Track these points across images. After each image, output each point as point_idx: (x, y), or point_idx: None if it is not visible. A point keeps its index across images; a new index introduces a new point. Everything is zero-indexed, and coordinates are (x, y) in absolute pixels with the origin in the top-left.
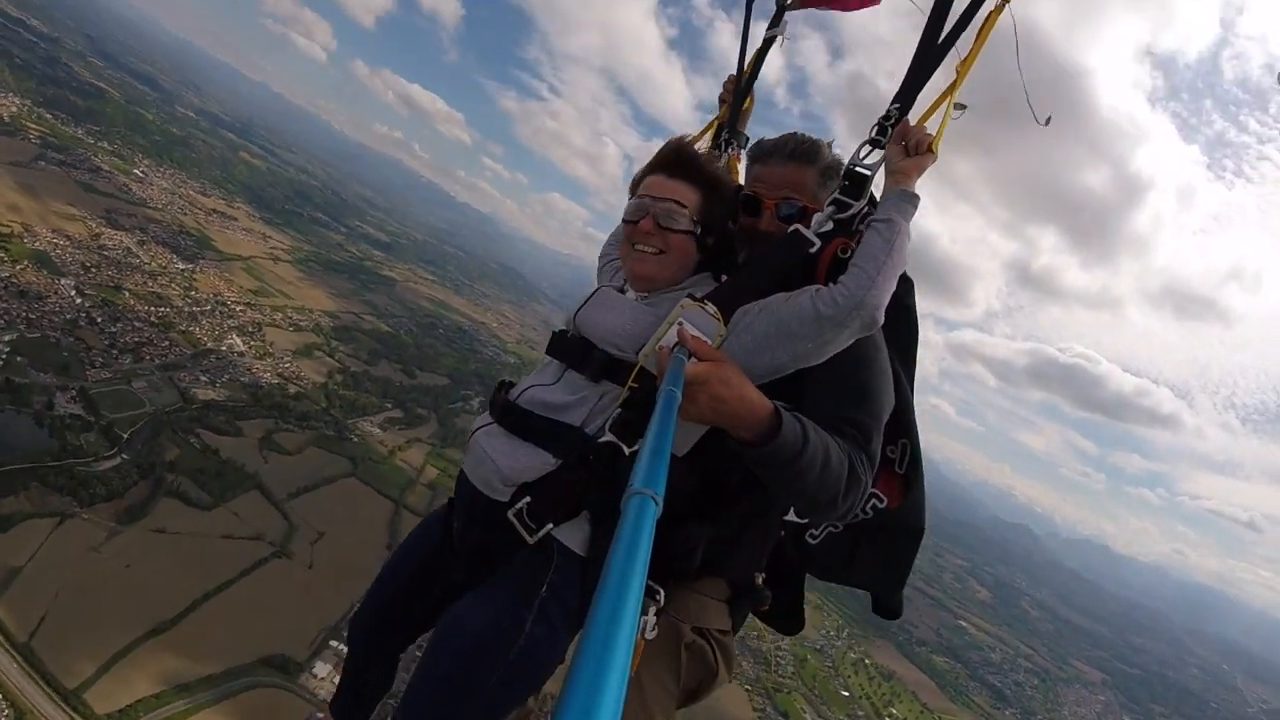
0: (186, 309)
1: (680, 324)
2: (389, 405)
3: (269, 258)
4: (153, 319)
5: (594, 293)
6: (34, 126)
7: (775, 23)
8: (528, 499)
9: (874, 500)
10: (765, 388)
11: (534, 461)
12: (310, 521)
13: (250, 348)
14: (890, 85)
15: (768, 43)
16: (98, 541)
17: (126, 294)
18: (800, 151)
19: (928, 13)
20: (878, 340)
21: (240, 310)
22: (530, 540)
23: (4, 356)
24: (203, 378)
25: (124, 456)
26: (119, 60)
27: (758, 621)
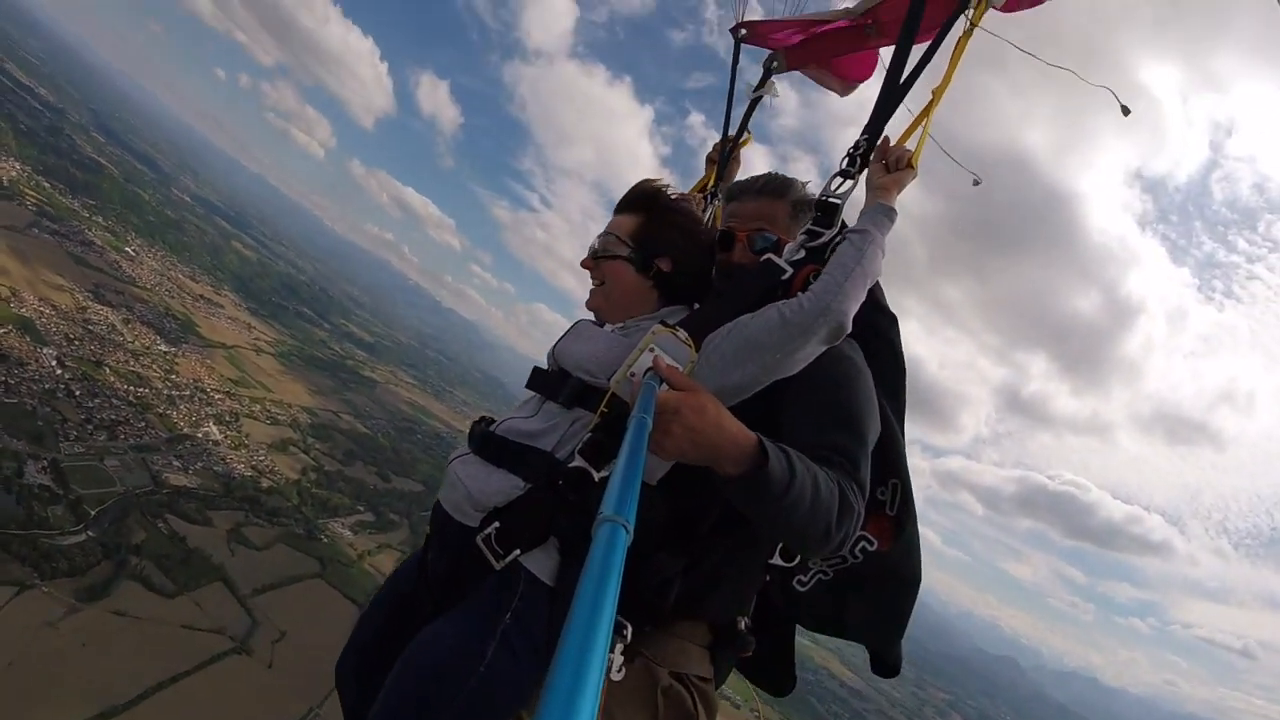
0: (166, 392)
1: (653, 350)
2: (361, 508)
3: (252, 348)
4: (131, 398)
5: (572, 326)
6: (31, 193)
7: (761, 84)
8: (496, 524)
9: (864, 542)
10: (740, 414)
11: (503, 485)
12: (273, 619)
13: (226, 437)
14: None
15: (754, 102)
16: (56, 617)
17: (107, 370)
18: (771, 186)
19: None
20: (859, 364)
21: (219, 398)
22: (497, 566)
23: None
24: (176, 463)
25: (90, 534)
26: (121, 138)
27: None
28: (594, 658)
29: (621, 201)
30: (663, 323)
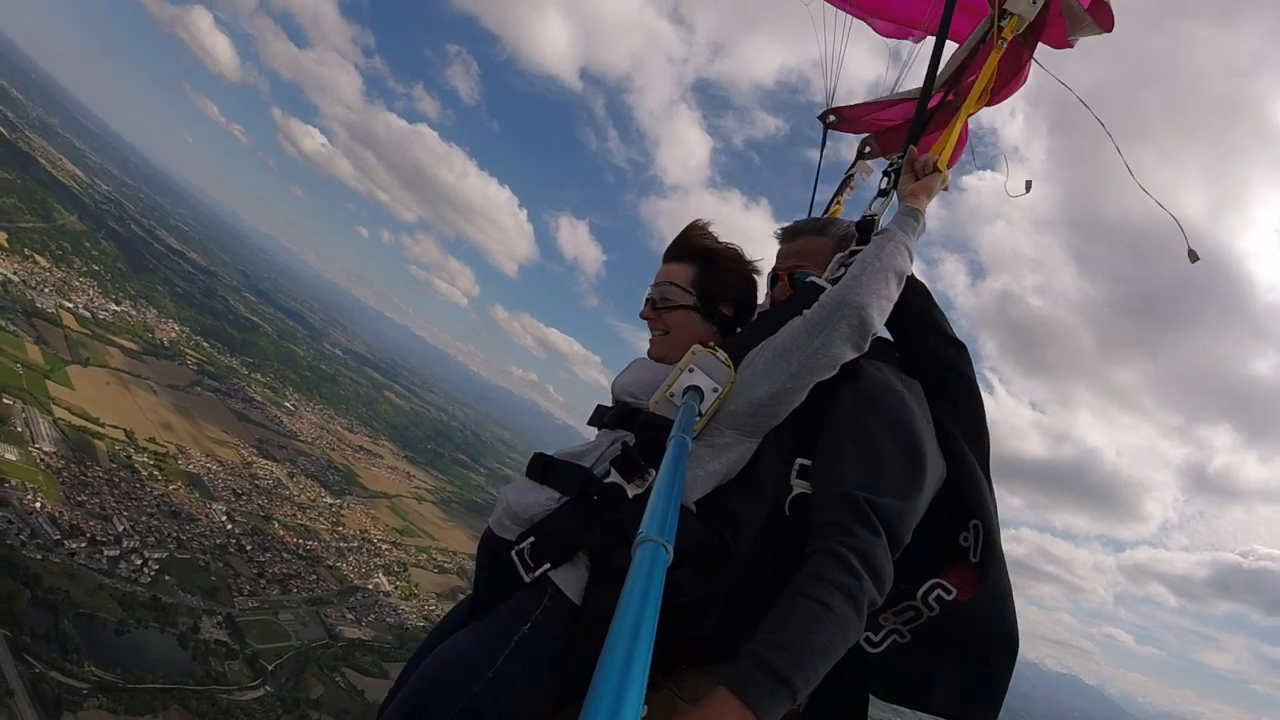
0: (334, 544)
1: (693, 370)
2: None
3: (413, 496)
4: (301, 551)
5: (631, 363)
6: (192, 353)
7: (854, 164)
8: (532, 539)
9: (939, 591)
10: (774, 454)
11: (541, 499)
12: None
13: (396, 588)
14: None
15: (844, 181)
16: None
17: (276, 524)
18: (815, 225)
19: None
20: (904, 403)
21: (386, 549)
22: (526, 579)
23: (152, 574)
24: (349, 615)
25: (268, 689)
26: (271, 297)
27: None
28: (634, 681)
29: (674, 250)
30: (703, 343)
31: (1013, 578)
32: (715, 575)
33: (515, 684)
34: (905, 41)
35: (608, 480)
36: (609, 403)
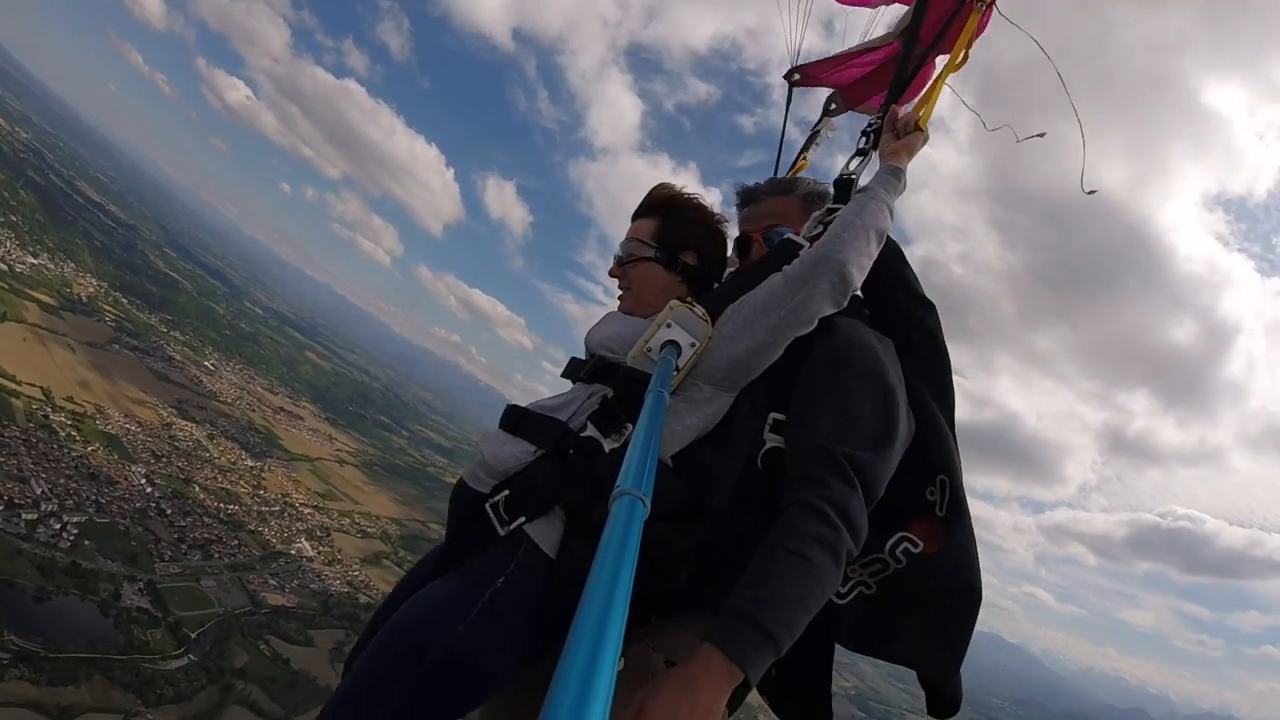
0: (256, 508)
1: (670, 325)
2: None
3: (335, 460)
4: (222, 516)
5: (604, 316)
6: (110, 309)
7: (819, 121)
8: (506, 492)
9: (906, 544)
10: (749, 409)
11: (515, 451)
12: None
13: (319, 553)
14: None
15: (810, 138)
16: None
17: (197, 487)
18: (780, 184)
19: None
20: (878, 359)
21: (308, 513)
22: (501, 532)
23: (72, 539)
24: (272, 581)
25: (192, 657)
26: (191, 253)
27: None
28: (611, 632)
29: (639, 209)
30: (679, 298)
31: None
32: (690, 529)
33: (489, 637)
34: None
35: (584, 434)
36: (559, 361)
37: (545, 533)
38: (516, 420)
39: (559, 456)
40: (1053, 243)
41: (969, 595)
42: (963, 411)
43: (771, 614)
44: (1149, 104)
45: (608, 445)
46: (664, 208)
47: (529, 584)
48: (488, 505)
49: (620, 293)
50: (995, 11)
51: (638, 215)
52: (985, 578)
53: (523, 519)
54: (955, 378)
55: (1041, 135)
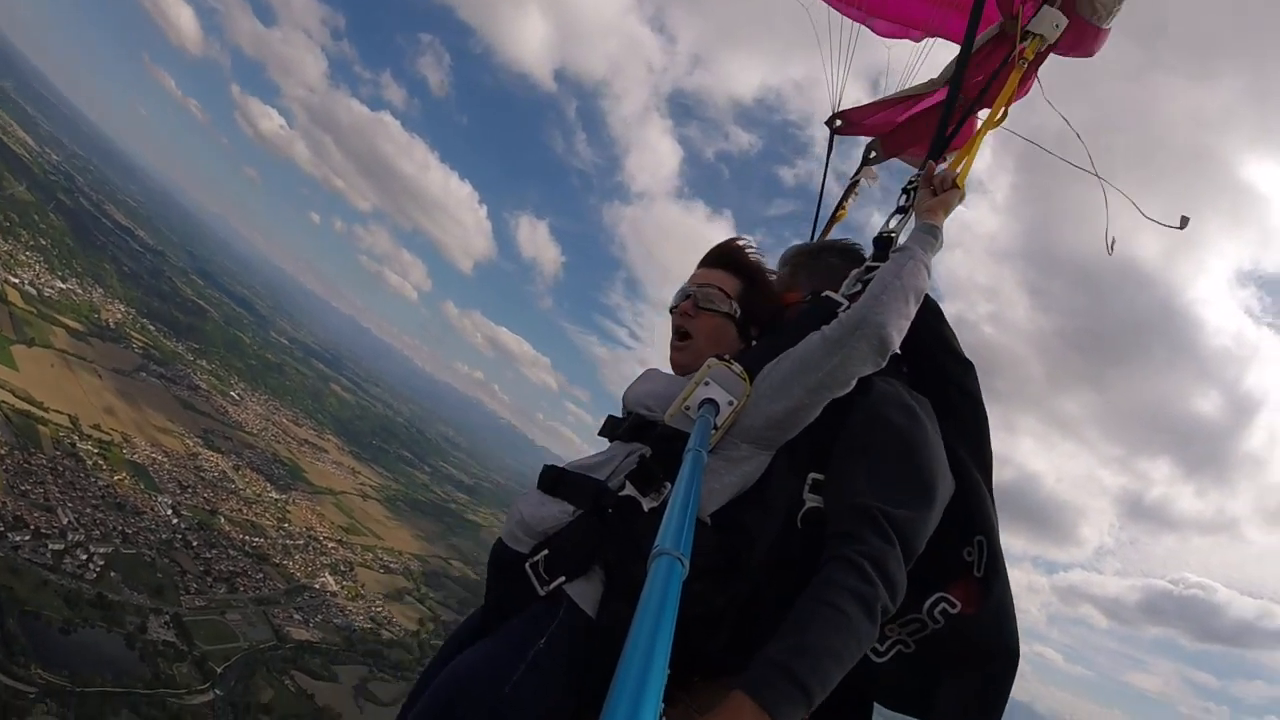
0: (280, 541)
1: (708, 383)
2: None
3: (359, 494)
4: (248, 548)
5: (643, 373)
6: (137, 336)
7: (859, 170)
8: (546, 552)
9: (944, 604)
10: (787, 468)
11: (554, 511)
12: None
13: (343, 588)
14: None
15: (850, 187)
16: None
17: (222, 519)
18: (831, 248)
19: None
20: (915, 417)
21: (332, 547)
22: (541, 592)
23: (98, 570)
24: (296, 616)
25: (217, 692)
26: (218, 281)
27: None
28: (650, 691)
29: (719, 258)
30: (718, 356)
31: None
32: (729, 589)
33: (532, 698)
34: (904, 41)
35: (623, 493)
36: (618, 412)
37: (585, 593)
38: (554, 480)
39: (598, 516)
40: (1084, 308)
41: (1007, 657)
42: None
43: (805, 665)
44: (1189, 176)
45: (646, 504)
46: (751, 274)
47: (570, 644)
48: (527, 565)
49: (675, 339)
50: (1036, 83)
51: (716, 264)
52: None
53: (562, 579)
54: None
55: (1183, 226)
